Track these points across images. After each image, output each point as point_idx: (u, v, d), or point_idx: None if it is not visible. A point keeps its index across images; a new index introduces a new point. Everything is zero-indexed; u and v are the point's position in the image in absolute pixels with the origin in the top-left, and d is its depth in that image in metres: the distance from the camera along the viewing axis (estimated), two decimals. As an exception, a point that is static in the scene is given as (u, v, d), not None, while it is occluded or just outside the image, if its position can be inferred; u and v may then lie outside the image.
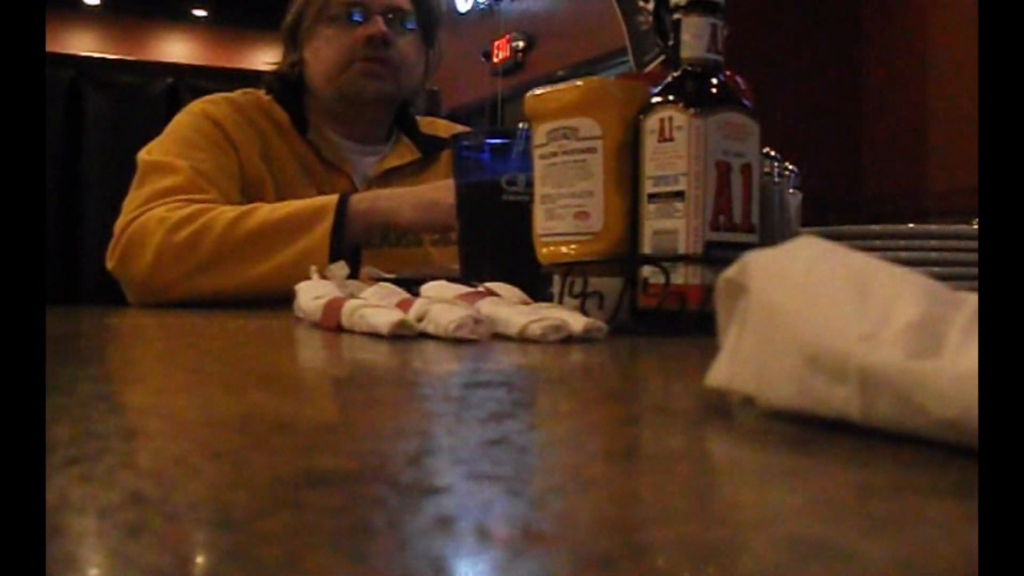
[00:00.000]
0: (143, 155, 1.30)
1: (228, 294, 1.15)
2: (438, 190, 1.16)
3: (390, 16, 1.39)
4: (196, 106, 1.38)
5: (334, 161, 1.42)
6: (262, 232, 1.14)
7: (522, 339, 0.62)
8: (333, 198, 1.17)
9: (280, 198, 1.33)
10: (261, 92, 1.43)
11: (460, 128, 1.59)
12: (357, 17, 1.37)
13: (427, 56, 1.46)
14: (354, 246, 1.18)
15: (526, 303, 0.70)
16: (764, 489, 0.26)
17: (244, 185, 1.32)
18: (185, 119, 1.35)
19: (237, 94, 1.41)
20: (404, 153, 1.48)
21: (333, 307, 0.71)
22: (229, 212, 1.17)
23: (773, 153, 0.85)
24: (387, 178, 1.45)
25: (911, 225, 1.00)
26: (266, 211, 1.17)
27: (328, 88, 1.40)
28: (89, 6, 6.86)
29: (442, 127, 1.55)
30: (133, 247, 1.18)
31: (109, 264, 1.21)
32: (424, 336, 0.63)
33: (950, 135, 2.50)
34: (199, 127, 1.33)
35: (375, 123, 1.46)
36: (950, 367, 0.26)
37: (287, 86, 1.42)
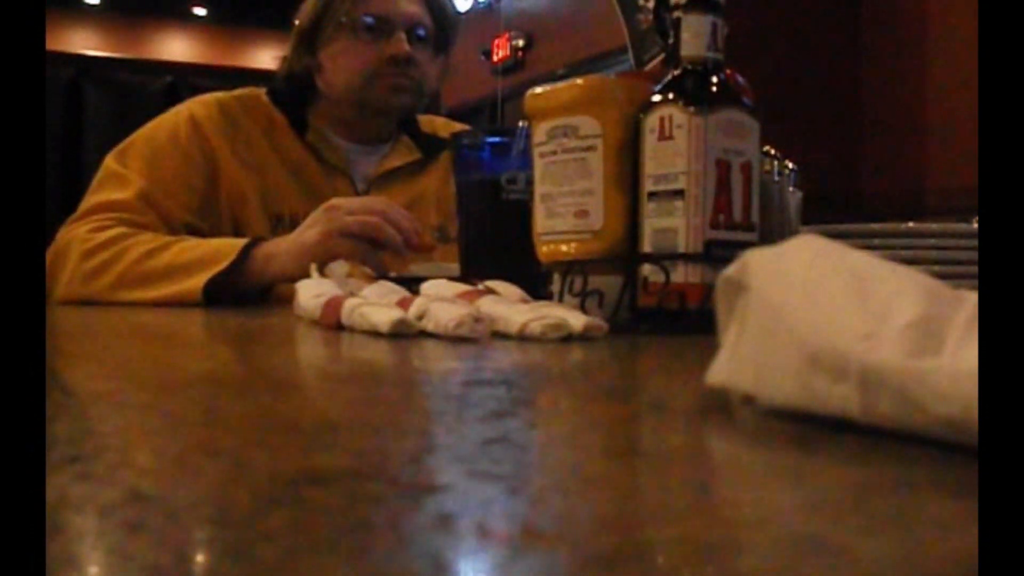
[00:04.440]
0: (110, 160, 1.32)
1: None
2: (304, 230, 1.15)
3: (411, 31, 1.38)
4: (184, 108, 1.38)
5: (335, 163, 1.41)
6: (162, 270, 1.17)
7: (522, 337, 0.62)
8: (236, 248, 1.16)
9: (266, 205, 1.34)
10: (262, 92, 1.43)
11: (458, 126, 1.59)
12: (378, 30, 1.36)
13: (440, 63, 1.46)
14: (241, 290, 1.16)
15: (526, 301, 0.70)
16: (764, 487, 0.26)
17: (222, 193, 1.33)
18: (167, 122, 1.36)
19: (231, 94, 1.41)
20: (404, 153, 1.47)
21: (333, 305, 0.71)
22: (143, 245, 1.19)
23: (773, 151, 0.85)
24: (387, 179, 1.44)
25: (911, 223, 1.00)
26: (175, 251, 1.18)
27: (348, 98, 1.39)
28: (89, 4, 6.86)
29: (440, 125, 1.55)
30: (55, 268, 1.23)
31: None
32: (424, 334, 0.63)
33: (950, 134, 2.49)
34: (176, 132, 1.33)
35: (382, 128, 1.46)
36: (950, 365, 0.26)
37: (294, 87, 1.41)
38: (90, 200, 1.29)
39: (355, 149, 1.44)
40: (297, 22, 1.42)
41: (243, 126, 1.37)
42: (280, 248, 1.16)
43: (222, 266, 1.14)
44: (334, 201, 1.17)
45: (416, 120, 1.50)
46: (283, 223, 1.32)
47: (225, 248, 1.17)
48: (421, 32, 1.40)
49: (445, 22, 1.45)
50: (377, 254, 1.13)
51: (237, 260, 1.14)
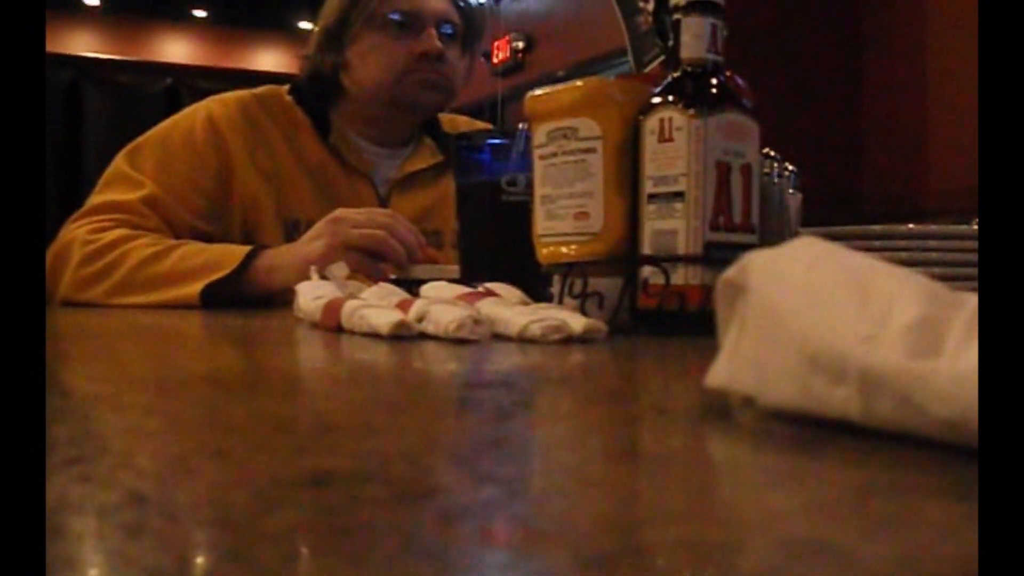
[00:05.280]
0: (120, 159, 1.31)
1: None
2: (308, 242, 1.15)
3: (440, 28, 1.37)
4: (203, 107, 1.37)
5: (357, 165, 1.40)
6: (161, 276, 1.17)
7: (522, 339, 0.62)
8: (237, 257, 1.15)
9: (281, 210, 1.33)
10: (283, 90, 1.41)
11: (481, 124, 1.58)
12: (408, 26, 1.36)
13: (467, 62, 1.45)
14: (240, 298, 1.16)
15: (526, 303, 0.70)
16: (764, 489, 0.26)
17: (234, 197, 1.32)
18: (183, 123, 1.34)
19: (252, 93, 1.39)
20: (426, 155, 1.46)
21: (333, 307, 0.71)
22: (143, 250, 1.19)
23: (773, 153, 0.85)
24: (409, 181, 1.43)
25: (911, 225, 0.99)
26: (176, 257, 1.18)
27: (378, 95, 1.38)
28: (89, 6, 6.87)
29: (463, 124, 1.53)
30: (55, 268, 1.23)
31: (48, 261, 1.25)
32: (424, 336, 0.63)
33: (950, 135, 2.49)
34: (192, 133, 1.32)
35: (407, 127, 1.45)
36: (950, 367, 0.26)
37: (318, 87, 1.40)
38: (95, 199, 1.28)
39: (377, 151, 1.43)
40: (321, 20, 1.40)
41: (263, 128, 1.36)
42: (283, 260, 1.15)
43: (222, 274, 1.13)
44: (339, 213, 1.16)
45: (438, 121, 1.49)
46: (298, 229, 1.30)
47: (227, 256, 1.16)
48: (449, 30, 1.39)
49: (472, 20, 1.44)
50: (379, 266, 1.13)
51: (238, 269, 1.14)
